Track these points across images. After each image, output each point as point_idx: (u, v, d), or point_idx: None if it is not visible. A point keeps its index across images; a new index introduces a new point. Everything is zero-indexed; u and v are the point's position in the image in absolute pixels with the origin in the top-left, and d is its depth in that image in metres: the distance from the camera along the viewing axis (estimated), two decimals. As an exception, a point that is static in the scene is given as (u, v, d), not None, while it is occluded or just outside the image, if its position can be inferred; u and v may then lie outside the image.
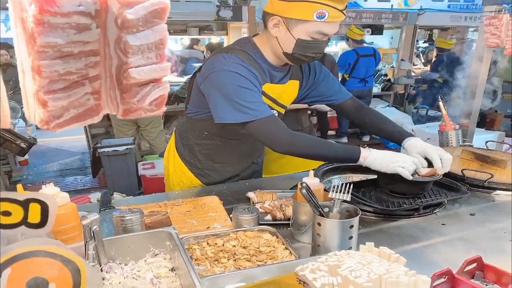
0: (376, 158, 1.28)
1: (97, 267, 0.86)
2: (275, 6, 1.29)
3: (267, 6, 1.33)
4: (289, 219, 1.21)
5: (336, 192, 1.03)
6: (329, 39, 1.34)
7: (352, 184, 1.03)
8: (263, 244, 1.06)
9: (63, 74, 0.42)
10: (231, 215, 1.28)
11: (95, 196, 2.75)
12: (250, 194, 1.40)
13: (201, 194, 1.50)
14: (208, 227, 1.19)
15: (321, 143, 1.37)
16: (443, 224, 1.20)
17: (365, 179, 1.52)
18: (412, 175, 1.26)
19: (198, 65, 1.47)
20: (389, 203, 1.29)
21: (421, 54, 7.44)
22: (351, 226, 0.95)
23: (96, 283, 0.59)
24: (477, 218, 1.24)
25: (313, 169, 1.29)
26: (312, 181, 1.11)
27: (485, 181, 1.40)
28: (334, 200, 1.03)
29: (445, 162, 1.30)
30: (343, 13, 1.26)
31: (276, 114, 1.54)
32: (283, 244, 1.05)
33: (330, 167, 1.61)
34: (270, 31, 1.32)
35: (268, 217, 1.28)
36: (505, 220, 1.22)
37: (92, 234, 0.86)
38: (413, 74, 6.38)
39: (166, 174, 1.73)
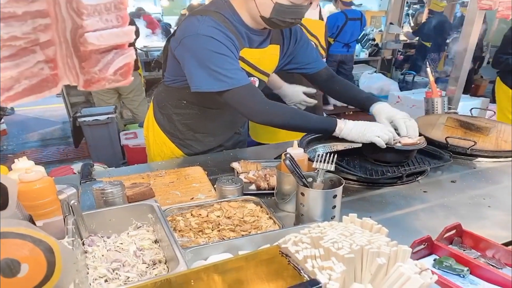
0: (351, 130, 1.29)
1: (78, 242, 0.84)
2: None
3: None
4: (273, 189, 1.21)
5: (320, 162, 1.02)
6: (311, 2, 1.27)
7: (336, 154, 1.02)
8: (247, 214, 1.06)
9: (7, 39, 0.36)
10: (215, 186, 1.27)
11: (79, 167, 2.69)
12: (234, 165, 1.38)
13: (184, 164, 1.47)
14: (192, 198, 1.18)
15: (298, 114, 1.36)
16: (424, 192, 1.23)
17: (350, 147, 1.52)
18: (393, 144, 1.27)
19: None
20: (372, 172, 1.29)
21: (410, 17, 7.28)
22: (335, 196, 0.95)
23: (72, 261, 0.57)
24: (458, 185, 1.27)
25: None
26: (296, 151, 1.09)
27: (468, 149, 1.41)
28: (318, 170, 1.02)
29: (410, 129, 1.31)
30: None
31: (257, 83, 1.49)
32: (267, 214, 1.05)
33: (314, 136, 1.60)
34: None
35: (253, 187, 1.27)
36: (484, 187, 1.25)
37: (70, 209, 0.83)
38: (401, 38, 6.27)
39: (147, 144, 1.69)
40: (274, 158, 1.50)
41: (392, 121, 1.35)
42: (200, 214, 1.05)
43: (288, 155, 0.97)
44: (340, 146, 1.63)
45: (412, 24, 6.68)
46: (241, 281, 0.59)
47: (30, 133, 5.05)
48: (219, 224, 1.01)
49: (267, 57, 1.46)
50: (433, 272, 0.60)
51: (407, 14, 7.21)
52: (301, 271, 0.57)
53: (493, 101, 3.30)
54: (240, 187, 1.12)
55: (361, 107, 1.54)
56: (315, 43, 1.92)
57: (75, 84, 0.43)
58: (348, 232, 0.66)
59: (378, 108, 1.41)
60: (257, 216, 1.05)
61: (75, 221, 0.84)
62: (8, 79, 0.38)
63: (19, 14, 0.36)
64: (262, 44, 1.42)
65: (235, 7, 1.31)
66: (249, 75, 1.42)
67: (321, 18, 2.02)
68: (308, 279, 0.55)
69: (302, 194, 0.96)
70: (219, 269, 0.57)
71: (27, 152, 4.40)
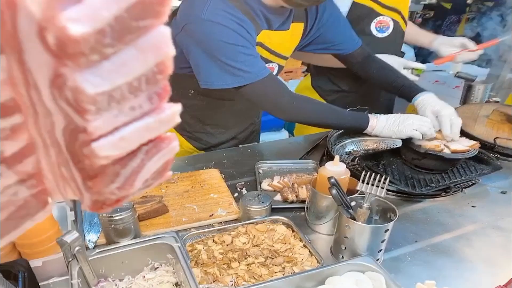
0: (384, 127, 1.14)
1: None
2: None
3: None
4: (302, 202, 1.06)
5: (367, 184, 0.86)
6: None
7: (388, 178, 0.86)
8: (277, 241, 0.92)
9: None
10: (235, 195, 1.12)
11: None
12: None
13: (198, 164, 1.31)
14: (212, 215, 1.03)
15: (328, 109, 1.19)
16: (473, 206, 1.09)
17: (386, 148, 1.36)
18: (414, 144, 1.14)
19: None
20: (414, 181, 1.14)
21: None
22: (387, 230, 0.81)
23: None
24: (510, 198, 1.12)
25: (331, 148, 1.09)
26: (337, 168, 0.93)
27: (519, 152, 1.26)
28: (364, 193, 0.87)
29: (454, 127, 1.16)
30: None
31: (276, 68, 1.28)
32: (301, 241, 0.91)
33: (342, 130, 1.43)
34: None
35: (278, 197, 1.12)
36: (542, 202, 1.11)
37: (74, 256, 0.68)
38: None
39: None
40: (300, 158, 1.34)
41: (437, 117, 1.18)
42: (223, 241, 0.91)
43: (332, 180, 0.81)
44: (370, 142, 1.47)
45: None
46: None
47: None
48: (246, 254, 0.88)
49: (289, 39, 1.23)
50: None
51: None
52: None
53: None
54: (269, 207, 0.97)
55: (401, 96, 1.35)
56: (395, 21, 1.51)
57: (74, 197, 0.25)
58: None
59: (423, 100, 1.22)
60: (289, 243, 0.91)
61: (80, 269, 0.69)
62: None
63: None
64: (284, 25, 1.18)
65: None
66: (267, 61, 1.21)
67: None
68: None
69: (347, 226, 0.82)
70: None
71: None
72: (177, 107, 0.23)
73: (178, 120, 0.24)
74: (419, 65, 1.45)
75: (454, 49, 1.52)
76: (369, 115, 1.18)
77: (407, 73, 1.44)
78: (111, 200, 0.24)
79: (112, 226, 0.84)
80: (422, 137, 1.14)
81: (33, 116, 0.20)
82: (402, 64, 1.45)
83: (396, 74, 1.36)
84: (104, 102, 0.19)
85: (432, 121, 1.18)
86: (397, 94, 1.39)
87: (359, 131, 1.23)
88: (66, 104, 0.19)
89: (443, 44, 1.56)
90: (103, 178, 0.22)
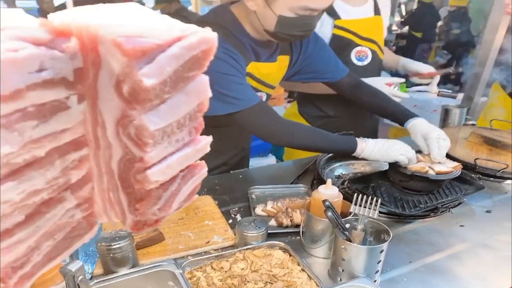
0: (372, 150, 1.21)
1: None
2: None
3: None
4: (296, 226, 1.09)
5: (360, 206, 0.90)
6: (323, 11, 1.12)
7: (379, 199, 0.91)
8: (275, 265, 0.93)
9: (22, 200, 0.21)
10: (229, 221, 1.14)
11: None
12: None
13: (192, 191, 1.33)
14: (208, 242, 1.04)
15: (317, 133, 1.25)
16: (461, 226, 1.14)
17: (374, 171, 1.42)
18: (400, 167, 1.21)
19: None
20: (403, 202, 1.19)
21: (402, 6, 7.19)
22: (382, 251, 0.84)
23: None
24: (495, 216, 1.18)
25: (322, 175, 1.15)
26: (330, 191, 0.97)
27: (499, 171, 1.33)
28: (358, 215, 0.91)
29: (442, 149, 1.23)
30: None
31: (265, 97, 1.35)
32: (299, 265, 0.93)
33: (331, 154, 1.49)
34: (246, 4, 1.08)
35: (272, 222, 1.14)
36: (524, 220, 1.17)
37: (77, 286, 0.68)
38: (394, 28, 6.19)
39: None
40: (291, 183, 1.38)
41: (426, 139, 1.26)
42: (222, 268, 0.92)
43: (327, 203, 0.85)
44: (358, 165, 1.53)
45: (404, 13, 6.62)
46: None
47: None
48: (245, 280, 0.89)
49: (276, 70, 1.32)
50: None
51: (399, 4, 7.14)
52: None
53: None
54: (265, 232, 0.99)
55: (393, 120, 1.44)
56: (372, 50, 1.63)
57: (117, 220, 0.29)
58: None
59: (414, 124, 1.31)
60: (287, 268, 0.93)
61: (83, 300, 0.69)
62: (22, 255, 0.24)
63: (41, 157, 0.21)
64: (271, 57, 1.27)
65: (238, 18, 1.15)
66: (256, 90, 1.28)
67: (377, 11, 1.63)
68: None
69: (344, 248, 0.85)
70: None
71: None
72: (209, 139, 0.28)
73: (209, 149, 0.28)
74: (400, 79, 1.57)
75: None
76: (357, 138, 1.25)
77: (396, 91, 1.54)
78: (151, 220, 0.27)
79: (111, 255, 0.84)
80: (408, 162, 1.20)
81: (95, 149, 0.24)
82: (387, 81, 1.56)
83: (387, 100, 1.45)
84: (159, 136, 0.23)
85: (421, 144, 1.26)
86: (389, 119, 1.47)
87: (348, 153, 1.28)
88: (127, 138, 0.22)
89: (408, 62, 1.72)
90: (148, 201, 0.26)
